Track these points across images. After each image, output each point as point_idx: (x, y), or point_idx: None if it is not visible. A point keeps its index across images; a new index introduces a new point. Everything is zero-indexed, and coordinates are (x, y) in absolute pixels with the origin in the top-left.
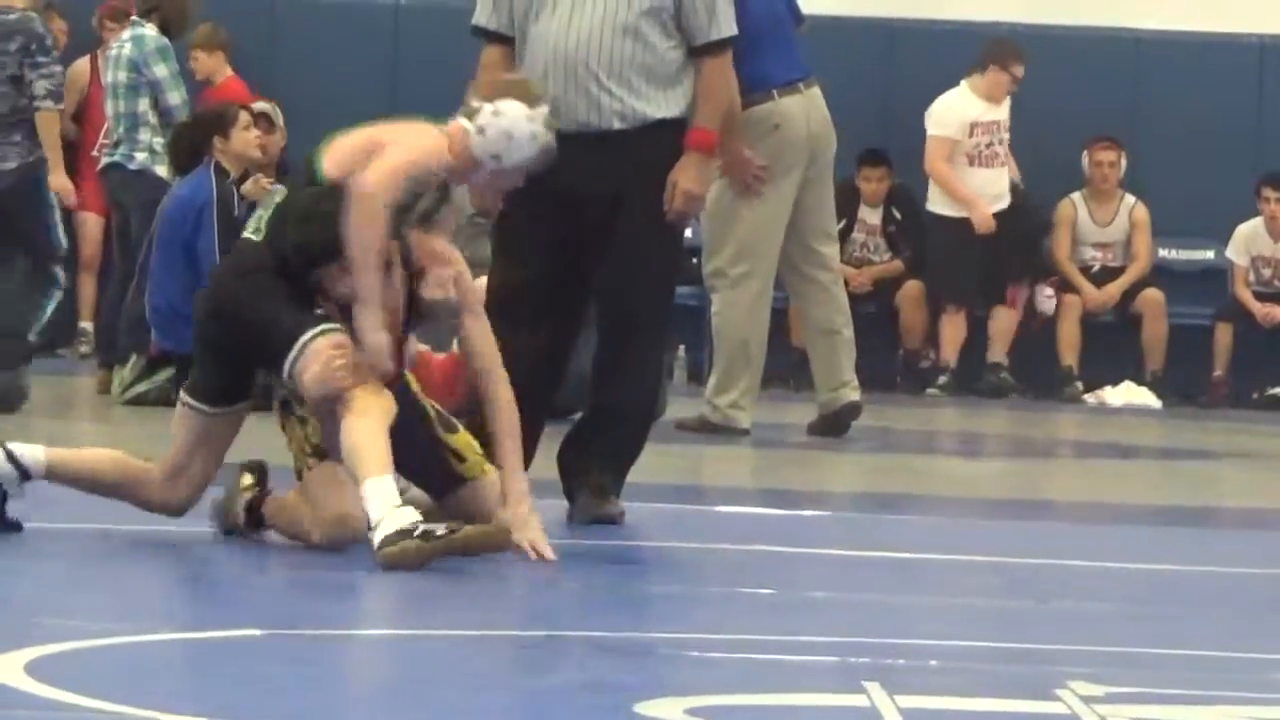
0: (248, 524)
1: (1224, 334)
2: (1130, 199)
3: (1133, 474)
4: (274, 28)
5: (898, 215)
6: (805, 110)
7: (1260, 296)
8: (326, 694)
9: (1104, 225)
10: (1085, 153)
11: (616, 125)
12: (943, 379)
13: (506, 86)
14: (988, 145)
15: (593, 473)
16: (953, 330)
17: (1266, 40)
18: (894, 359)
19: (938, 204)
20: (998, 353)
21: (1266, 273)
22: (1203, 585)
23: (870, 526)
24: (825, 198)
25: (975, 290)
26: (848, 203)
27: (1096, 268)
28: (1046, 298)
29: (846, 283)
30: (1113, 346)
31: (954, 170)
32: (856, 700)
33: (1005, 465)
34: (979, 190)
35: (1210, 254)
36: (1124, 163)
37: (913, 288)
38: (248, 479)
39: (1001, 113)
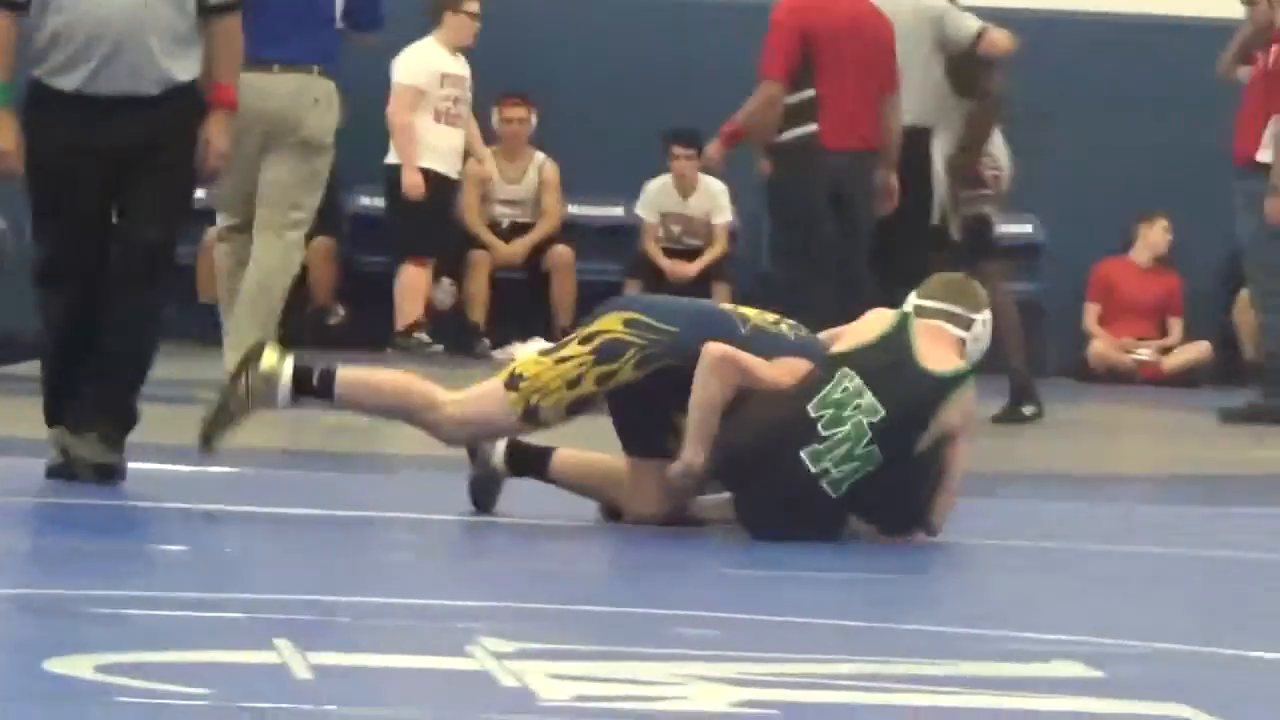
0: (301, 392)
1: (633, 290)
2: (540, 156)
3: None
4: None
5: None
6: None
7: (669, 253)
8: None
9: (513, 182)
10: (495, 110)
11: (154, 91)
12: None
13: None
14: (455, 101)
15: (100, 424)
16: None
17: None
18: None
19: (394, 156)
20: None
21: (676, 229)
22: (607, 541)
23: (293, 485)
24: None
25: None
26: None
27: (505, 224)
28: (445, 292)
29: None
30: (521, 302)
31: (418, 125)
32: (267, 657)
33: None
34: (449, 149)
35: (620, 210)
36: (534, 119)
37: (320, 244)
38: (273, 353)
39: (465, 68)
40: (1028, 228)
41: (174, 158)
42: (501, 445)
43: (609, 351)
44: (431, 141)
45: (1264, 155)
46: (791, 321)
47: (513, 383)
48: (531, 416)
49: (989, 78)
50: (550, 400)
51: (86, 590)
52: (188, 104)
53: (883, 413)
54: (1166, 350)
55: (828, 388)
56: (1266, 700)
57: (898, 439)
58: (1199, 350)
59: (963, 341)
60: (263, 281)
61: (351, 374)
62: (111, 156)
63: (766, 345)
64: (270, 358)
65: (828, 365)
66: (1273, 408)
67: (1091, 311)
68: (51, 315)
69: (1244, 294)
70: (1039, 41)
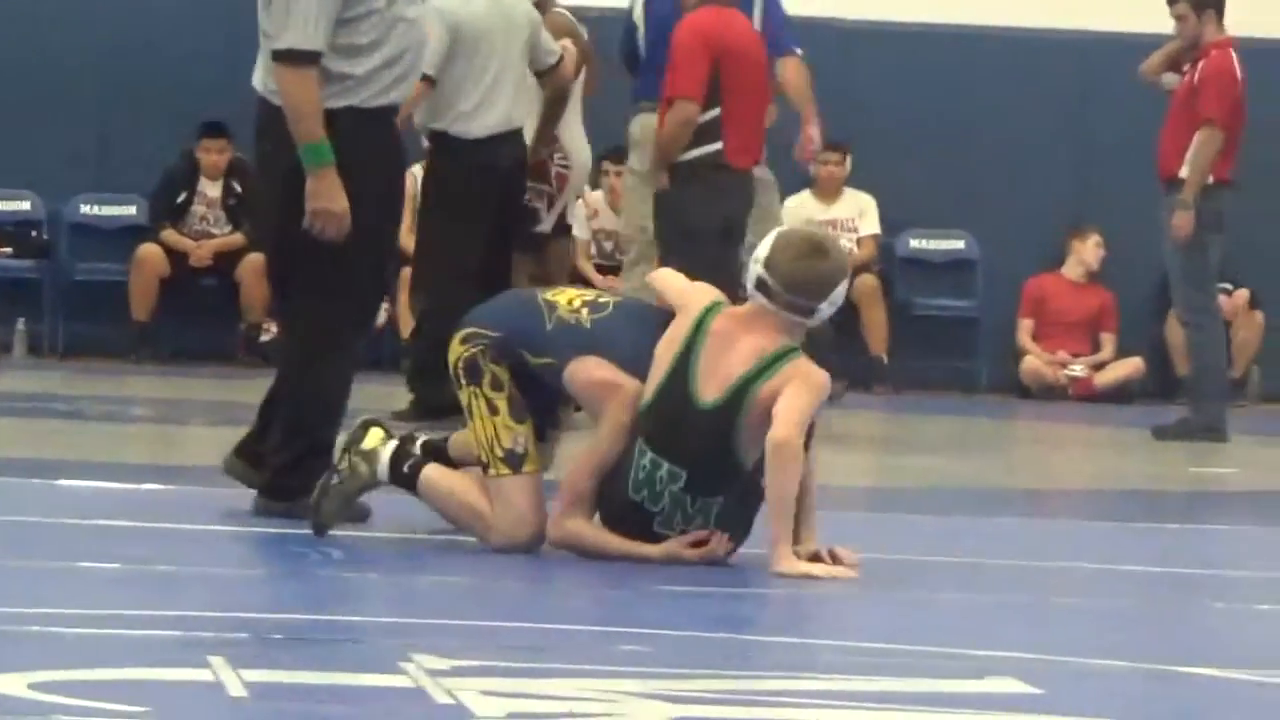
0: (394, 480)
1: None
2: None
3: None
4: None
5: (238, 188)
6: None
7: (602, 269)
8: None
9: None
10: None
11: None
12: None
13: None
14: None
15: None
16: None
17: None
18: (236, 332)
19: None
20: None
21: (608, 245)
22: (537, 558)
23: (225, 502)
24: None
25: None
26: (187, 176)
27: None
28: None
29: (188, 256)
30: None
31: None
32: (201, 675)
33: None
34: None
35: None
36: None
37: (254, 260)
38: (377, 433)
39: None
40: (960, 244)
41: None
42: (386, 456)
43: (473, 373)
44: None
45: (1185, 171)
46: (608, 297)
47: (484, 466)
48: (514, 462)
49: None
50: (503, 440)
51: (18, 608)
52: None
53: (684, 474)
54: (1099, 366)
55: (633, 471)
56: (1202, 716)
57: (715, 480)
58: (1132, 366)
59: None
60: None
61: (434, 475)
62: None
63: (565, 338)
64: (374, 438)
65: (634, 438)
66: (1203, 424)
67: (1024, 327)
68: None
69: (1173, 310)
70: (969, 58)
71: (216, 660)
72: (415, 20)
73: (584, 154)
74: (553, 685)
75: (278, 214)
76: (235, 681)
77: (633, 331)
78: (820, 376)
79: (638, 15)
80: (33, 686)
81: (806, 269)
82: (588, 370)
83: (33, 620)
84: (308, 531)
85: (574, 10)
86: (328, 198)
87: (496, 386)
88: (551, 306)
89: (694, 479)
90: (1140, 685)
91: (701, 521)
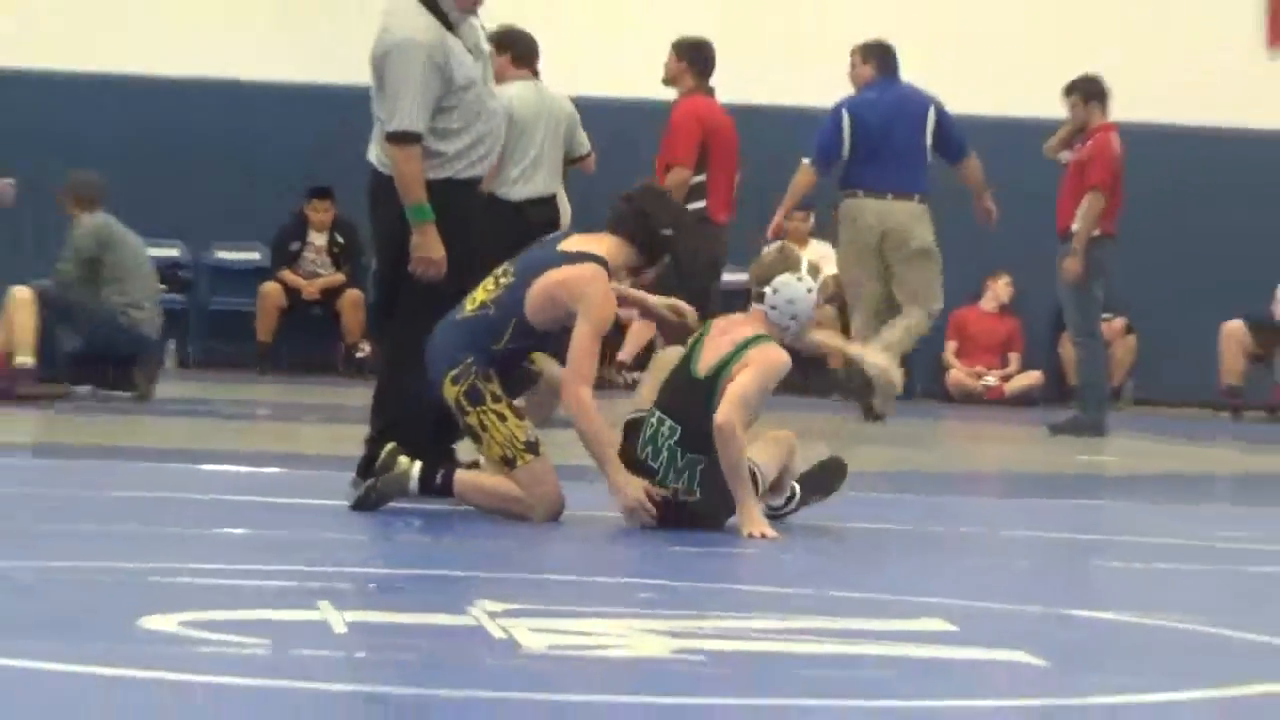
0: (425, 490)
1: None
2: None
3: None
4: None
5: (339, 239)
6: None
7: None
8: None
9: None
10: None
11: None
12: None
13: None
14: None
15: None
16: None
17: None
18: (337, 350)
19: None
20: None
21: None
22: (576, 525)
23: (329, 482)
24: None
25: None
26: (299, 229)
27: None
28: None
29: (300, 291)
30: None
31: None
32: (311, 615)
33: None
34: None
35: None
36: None
37: (352, 295)
38: (404, 459)
39: None
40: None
41: None
42: (416, 470)
43: (474, 398)
44: None
45: (1076, 225)
46: (501, 271)
47: (510, 461)
48: (534, 448)
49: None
50: (519, 435)
51: (170, 564)
52: None
53: (680, 429)
54: (1008, 378)
55: (644, 430)
56: (1086, 647)
57: (703, 438)
58: (1033, 377)
59: (763, 313)
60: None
61: (466, 477)
62: None
63: (507, 304)
64: (403, 464)
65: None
66: (1089, 422)
67: (950, 347)
68: None
69: (1067, 334)
70: None
71: (324, 604)
72: (495, 110)
73: (568, 211)
74: (584, 624)
75: (388, 259)
76: (339, 620)
77: (541, 254)
78: (777, 356)
79: (845, 123)
80: (182, 624)
81: (770, 272)
82: (543, 284)
83: (182, 573)
84: (396, 504)
85: (577, 99)
86: (429, 248)
87: (495, 399)
88: (475, 302)
89: (686, 434)
90: (1040, 625)
91: (687, 478)
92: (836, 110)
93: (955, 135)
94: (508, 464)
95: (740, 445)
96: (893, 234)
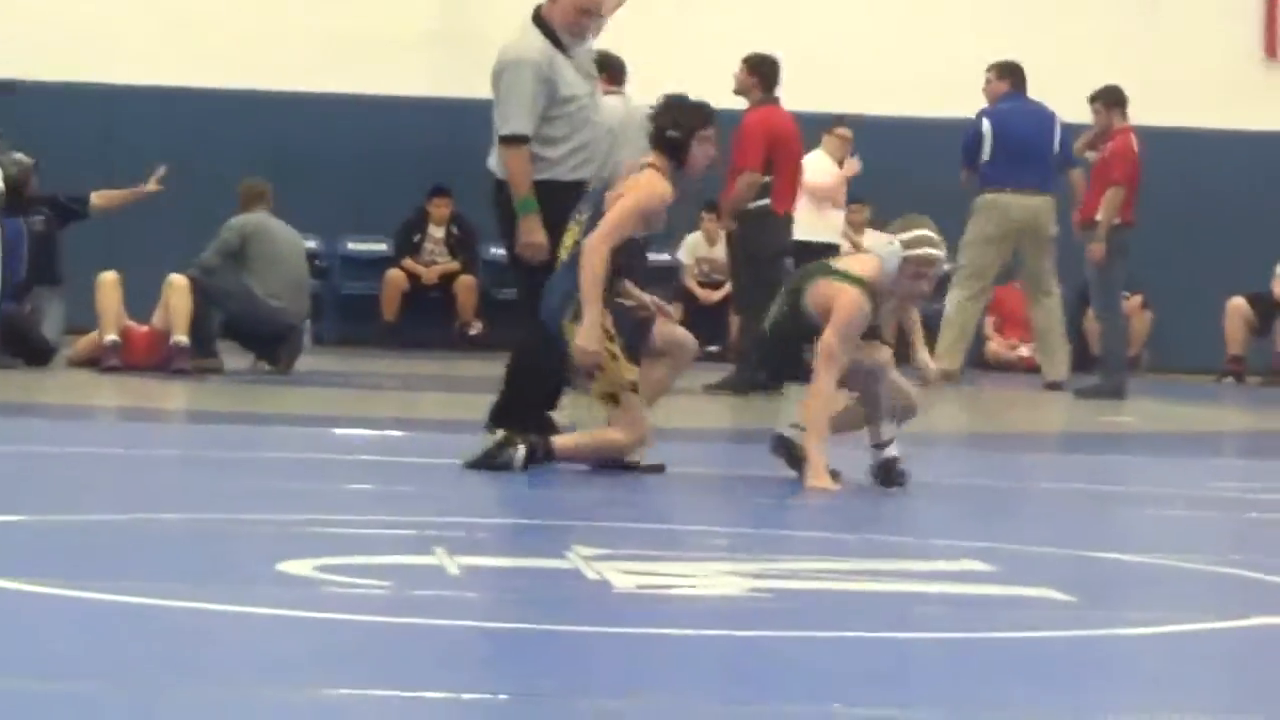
0: (534, 459)
1: (676, 310)
2: None
3: None
4: None
5: (455, 231)
6: None
7: (703, 285)
8: None
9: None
10: None
11: None
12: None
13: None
14: None
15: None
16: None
17: None
18: (453, 330)
19: None
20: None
21: (706, 268)
22: (660, 480)
23: (440, 445)
24: None
25: None
26: (420, 223)
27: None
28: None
29: (421, 277)
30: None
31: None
32: (428, 560)
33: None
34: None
35: (666, 256)
36: None
37: (465, 280)
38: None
39: None
40: (946, 265)
41: None
42: (521, 451)
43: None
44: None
45: (1100, 215)
46: (579, 220)
47: (613, 398)
48: (635, 387)
49: None
50: (626, 374)
51: (306, 515)
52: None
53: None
54: None
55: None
56: (1109, 584)
57: (795, 311)
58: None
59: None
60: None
61: (563, 440)
62: None
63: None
64: (511, 444)
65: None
66: (1110, 387)
67: (989, 322)
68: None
69: (1091, 310)
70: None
71: (439, 550)
72: (597, 121)
73: None
74: (668, 567)
75: (514, 256)
76: (452, 565)
77: (603, 189)
78: (851, 295)
79: (985, 129)
80: (316, 568)
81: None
82: (611, 202)
83: (316, 524)
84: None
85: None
86: (533, 234)
87: (610, 339)
88: (566, 249)
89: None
90: (1067, 565)
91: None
92: (977, 120)
93: (1067, 145)
94: (612, 400)
95: (826, 396)
96: (1031, 224)
